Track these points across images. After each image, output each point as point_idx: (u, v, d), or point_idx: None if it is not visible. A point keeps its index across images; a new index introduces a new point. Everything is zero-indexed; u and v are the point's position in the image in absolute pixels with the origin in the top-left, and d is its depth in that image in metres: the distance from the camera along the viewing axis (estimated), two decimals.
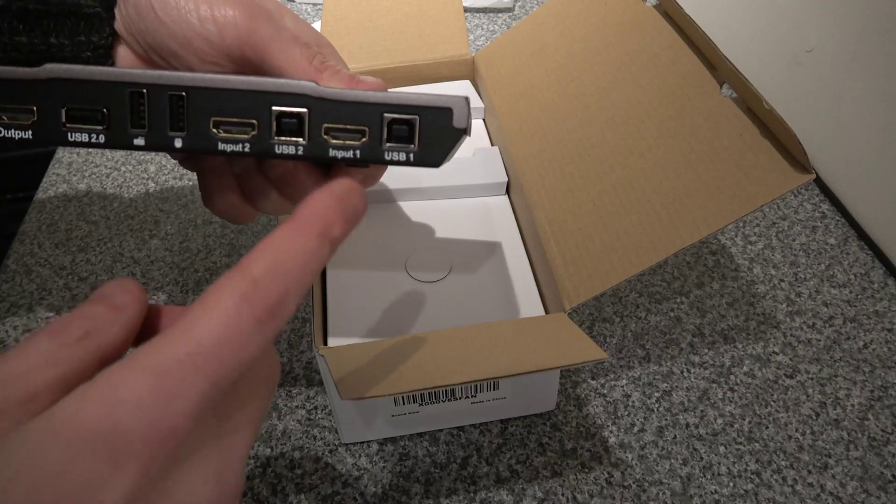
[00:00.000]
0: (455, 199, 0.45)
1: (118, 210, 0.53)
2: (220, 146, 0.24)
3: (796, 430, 0.39)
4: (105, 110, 0.23)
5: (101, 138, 0.24)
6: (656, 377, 0.42)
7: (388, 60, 0.50)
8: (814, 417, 0.40)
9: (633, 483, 0.37)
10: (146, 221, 0.52)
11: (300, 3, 0.77)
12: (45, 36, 0.25)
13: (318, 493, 0.36)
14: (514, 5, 0.77)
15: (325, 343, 0.37)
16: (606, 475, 0.37)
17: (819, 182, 0.56)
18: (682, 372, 0.42)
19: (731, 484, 0.37)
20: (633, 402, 0.41)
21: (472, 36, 0.72)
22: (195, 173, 0.30)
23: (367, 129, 0.24)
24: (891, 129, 0.48)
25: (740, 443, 0.39)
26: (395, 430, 0.38)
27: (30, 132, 0.23)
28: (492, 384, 0.36)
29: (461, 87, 0.52)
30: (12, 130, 0.23)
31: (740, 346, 0.44)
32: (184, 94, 0.23)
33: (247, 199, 0.28)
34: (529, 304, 0.39)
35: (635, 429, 0.39)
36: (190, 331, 0.16)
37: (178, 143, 0.24)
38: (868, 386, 0.41)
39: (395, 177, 0.44)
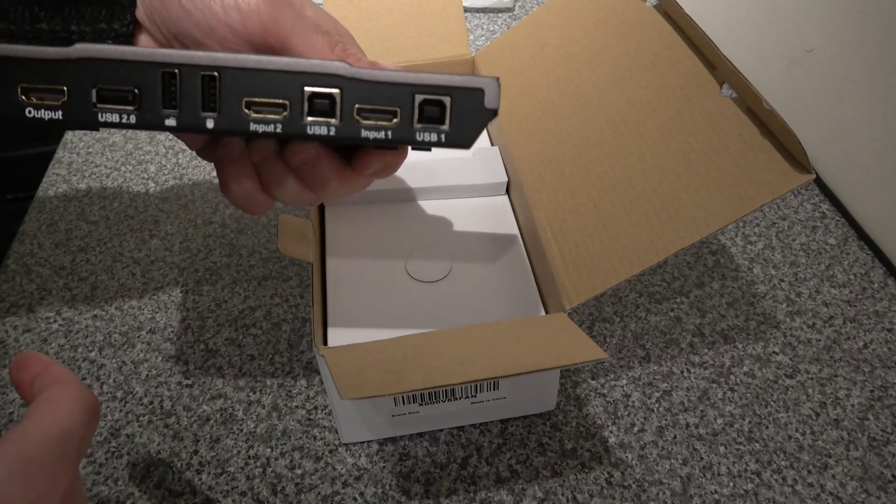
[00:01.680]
0: (455, 199, 0.45)
1: (118, 210, 0.53)
2: (252, 126, 0.24)
3: (796, 430, 0.39)
4: (136, 90, 0.23)
5: (133, 119, 0.23)
6: (656, 377, 0.42)
7: (388, 60, 0.50)
8: (814, 417, 0.40)
9: (633, 483, 0.37)
10: (146, 221, 0.52)
11: None
12: (66, 23, 0.25)
13: (318, 493, 0.36)
14: (514, 5, 0.77)
15: (325, 343, 0.37)
16: (606, 475, 0.37)
17: (819, 182, 0.56)
18: (682, 372, 0.42)
19: (731, 484, 0.37)
20: (633, 402, 0.41)
21: (472, 36, 0.72)
22: (211, 162, 0.30)
23: (398, 109, 0.24)
24: (891, 129, 0.48)
25: (740, 443, 0.39)
26: (395, 430, 0.38)
27: (60, 112, 0.23)
28: (492, 384, 0.36)
29: None
30: (42, 111, 0.23)
31: (740, 346, 0.44)
32: (216, 73, 0.23)
33: (264, 188, 0.28)
34: (529, 304, 0.39)
35: (635, 429, 0.39)
36: (61, 416, 0.22)
37: (210, 124, 0.24)
38: (868, 386, 0.41)
39: (395, 177, 0.44)
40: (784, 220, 0.53)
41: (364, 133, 0.24)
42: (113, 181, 0.55)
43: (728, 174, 0.33)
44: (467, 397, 0.37)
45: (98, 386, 0.41)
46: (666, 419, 0.40)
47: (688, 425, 0.39)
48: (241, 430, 0.39)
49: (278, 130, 0.24)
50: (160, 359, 0.43)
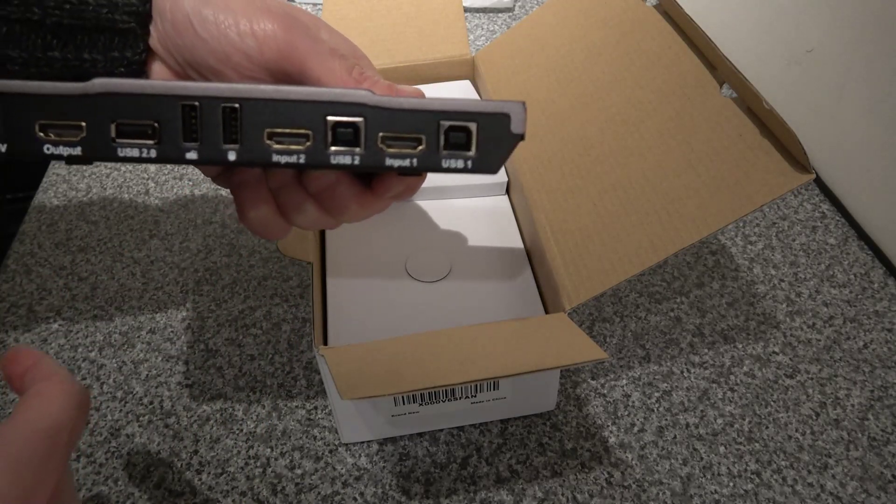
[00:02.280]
0: (455, 199, 0.45)
1: (118, 210, 0.53)
2: (275, 157, 0.23)
3: (796, 430, 0.39)
4: (156, 124, 0.23)
5: (153, 153, 0.23)
6: (656, 377, 0.42)
7: (388, 60, 0.50)
8: (814, 417, 0.40)
9: (633, 483, 0.37)
10: (146, 221, 0.52)
11: (300, 3, 0.77)
12: (79, 51, 0.25)
13: (318, 493, 0.36)
14: (514, 5, 0.77)
15: (325, 343, 0.37)
16: (606, 475, 0.37)
17: (819, 182, 0.56)
18: (682, 372, 0.42)
19: (731, 484, 0.37)
20: (633, 402, 0.41)
21: (472, 36, 0.72)
22: (226, 188, 0.30)
23: (423, 137, 0.23)
24: (891, 129, 0.48)
25: (740, 443, 0.39)
26: (395, 430, 0.38)
27: (79, 148, 0.22)
28: (492, 384, 0.36)
29: (461, 87, 0.52)
30: (61, 147, 0.22)
31: (740, 346, 0.44)
32: (237, 105, 0.23)
33: (282, 214, 0.28)
34: (529, 304, 0.39)
35: (635, 429, 0.39)
36: (50, 410, 0.22)
37: (232, 156, 0.23)
38: (868, 386, 0.41)
39: None
40: (784, 220, 0.53)
41: (389, 161, 0.24)
42: (113, 181, 0.55)
43: (728, 174, 0.33)
44: (467, 397, 0.37)
45: (98, 386, 0.41)
46: (666, 419, 0.40)
47: (688, 425, 0.39)
48: (241, 430, 0.39)
49: (301, 161, 0.23)
50: (160, 359, 0.43)
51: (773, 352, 0.43)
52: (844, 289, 0.47)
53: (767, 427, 0.39)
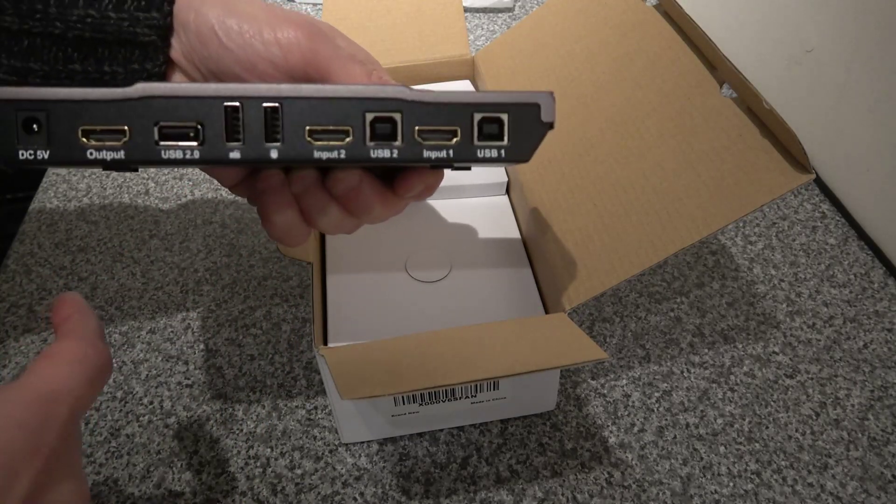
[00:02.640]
0: (455, 199, 0.45)
1: (118, 210, 0.53)
2: (316, 154, 0.24)
3: (796, 430, 0.39)
4: (199, 126, 0.23)
5: (196, 154, 0.23)
6: (656, 377, 0.42)
7: (388, 60, 0.50)
8: (814, 417, 0.40)
9: (633, 483, 0.37)
10: (146, 221, 0.52)
11: (300, 3, 0.77)
12: (99, 64, 0.26)
13: (318, 493, 0.36)
14: (514, 5, 0.77)
15: (325, 343, 0.37)
16: (606, 475, 0.37)
17: (819, 182, 0.56)
18: (682, 372, 0.42)
19: (731, 484, 0.37)
20: (633, 402, 0.41)
21: (472, 36, 0.72)
22: (246, 198, 0.30)
23: (458, 129, 0.24)
24: (891, 129, 0.48)
25: (740, 443, 0.39)
26: (395, 430, 0.38)
27: (122, 152, 0.23)
28: (492, 384, 0.36)
29: (461, 87, 0.52)
30: (104, 152, 0.22)
31: (740, 346, 0.44)
32: (278, 104, 0.23)
33: (305, 218, 0.28)
34: (529, 304, 0.39)
35: (635, 429, 0.39)
36: (53, 377, 0.22)
37: (274, 154, 0.24)
38: (868, 386, 0.41)
39: None
40: (784, 220, 0.53)
41: (426, 153, 0.24)
42: (113, 181, 0.55)
43: (728, 174, 0.33)
44: (467, 397, 0.37)
45: None
46: (666, 419, 0.40)
47: (688, 425, 0.39)
48: (241, 430, 0.39)
49: (342, 156, 0.24)
50: (160, 359, 0.43)
51: (773, 352, 0.43)
52: (844, 289, 0.47)
53: (767, 427, 0.39)
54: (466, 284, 0.40)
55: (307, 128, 0.24)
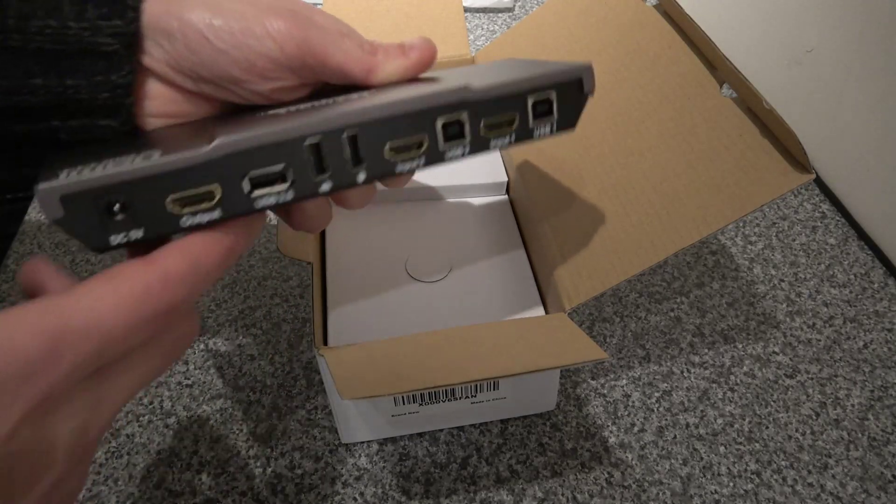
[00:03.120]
0: (455, 199, 0.45)
1: None
2: (399, 168, 0.24)
3: (796, 430, 0.39)
4: (285, 167, 0.23)
5: (290, 195, 0.23)
6: (656, 377, 0.42)
7: None
8: (814, 417, 0.40)
9: (633, 483, 0.37)
10: None
11: None
12: (61, 77, 0.25)
13: (318, 493, 0.36)
14: (514, 5, 0.77)
15: (325, 343, 0.37)
16: (606, 475, 0.37)
17: (819, 182, 0.56)
18: (682, 372, 0.42)
19: (731, 484, 0.37)
20: (633, 402, 0.41)
21: (472, 36, 0.72)
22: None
23: (516, 115, 0.26)
24: (891, 129, 0.48)
25: (740, 443, 0.39)
26: (395, 430, 0.38)
27: (217, 211, 0.22)
28: (492, 384, 0.36)
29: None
30: (198, 216, 0.22)
31: (740, 346, 0.44)
32: (357, 132, 0.23)
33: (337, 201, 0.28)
34: (529, 304, 0.39)
35: (635, 429, 0.39)
36: (91, 307, 0.19)
37: (362, 177, 0.24)
38: (868, 386, 0.41)
39: None
40: (784, 220, 0.53)
41: (493, 143, 0.26)
42: None
43: (728, 174, 0.33)
44: (467, 397, 0.37)
45: None
46: (666, 419, 0.40)
47: (688, 425, 0.39)
48: (241, 430, 0.39)
49: (422, 164, 0.25)
50: None
51: (773, 352, 0.43)
52: (844, 289, 0.47)
53: (767, 427, 0.39)
54: (466, 284, 0.40)
55: (387, 146, 0.24)
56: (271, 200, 0.23)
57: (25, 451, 0.18)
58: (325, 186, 0.23)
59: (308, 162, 0.23)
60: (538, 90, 0.26)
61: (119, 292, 0.19)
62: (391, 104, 0.23)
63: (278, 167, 0.22)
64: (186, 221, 0.22)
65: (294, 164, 0.23)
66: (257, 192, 0.22)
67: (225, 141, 0.21)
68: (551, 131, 0.27)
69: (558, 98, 0.26)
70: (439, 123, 0.24)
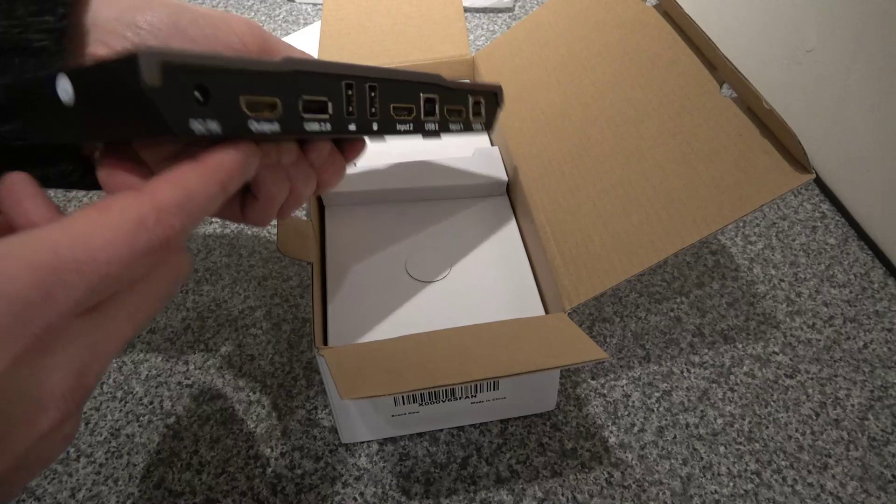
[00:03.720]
0: (455, 199, 0.45)
1: None
2: (398, 127, 0.28)
3: (796, 430, 0.39)
4: (328, 100, 0.25)
5: (328, 126, 0.25)
6: (656, 377, 0.42)
7: (388, 60, 0.50)
8: (814, 417, 0.40)
9: (633, 483, 0.37)
10: None
11: (300, 4, 0.77)
12: None
13: (318, 493, 0.36)
14: (514, 5, 0.77)
15: (325, 343, 0.37)
16: (606, 475, 0.37)
17: (819, 182, 0.56)
18: (682, 372, 0.42)
19: (731, 484, 0.37)
20: (633, 402, 0.41)
21: (472, 36, 0.72)
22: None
23: (463, 108, 0.32)
24: (891, 129, 0.48)
25: (740, 443, 0.39)
26: (395, 430, 0.38)
27: (277, 124, 0.23)
28: (492, 384, 0.36)
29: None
30: (263, 123, 0.23)
31: (740, 346, 0.44)
32: (376, 84, 0.26)
33: (292, 189, 0.29)
34: (529, 304, 0.39)
35: (635, 429, 0.39)
36: (84, 241, 0.18)
37: (376, 127, 0.27)
38: (868, 386, 0.41)
39: (395, 177, 0.44)
40: (784, 220, 0.53)
41: (451, 127, 0.31)
42: None
43: (728, 174, 0.33)
44: (467, 397, 0.37)
45: (98, 386, 0.41)
46: (666, 419, 0.40)
47: (688, 425, 0.39)
48: (241, 430, 0.39)
49: (410, 129, 0.29)
50: (160, 359, 0.43)
51: (773, 352, 0.43)
52: (844, 289, 0.47)
53: (767, 427, 0.39)
54: (466, 284, 0.40)
55: (392, 105, 0.27)
56: (315, 127, 0.24)
57: (20, 394, 0.17)
58: (352, 127, 0.26)
59: (343, 100, 0.25)
60: (477, 93, 0.33)
61: (113, 224, 0.18)
62: (399, 72, 0.28)
63: (324, 98, 0.24)
64: (254, 125, 0.22)
65: (334, 99, 0.25)
66: (308, 115, 0.24)
67: (293, 59, 0.23)
68: (480, 129, 0.34)
69: (486, 104, 0.33)
70: (422, 97, 0.29)
